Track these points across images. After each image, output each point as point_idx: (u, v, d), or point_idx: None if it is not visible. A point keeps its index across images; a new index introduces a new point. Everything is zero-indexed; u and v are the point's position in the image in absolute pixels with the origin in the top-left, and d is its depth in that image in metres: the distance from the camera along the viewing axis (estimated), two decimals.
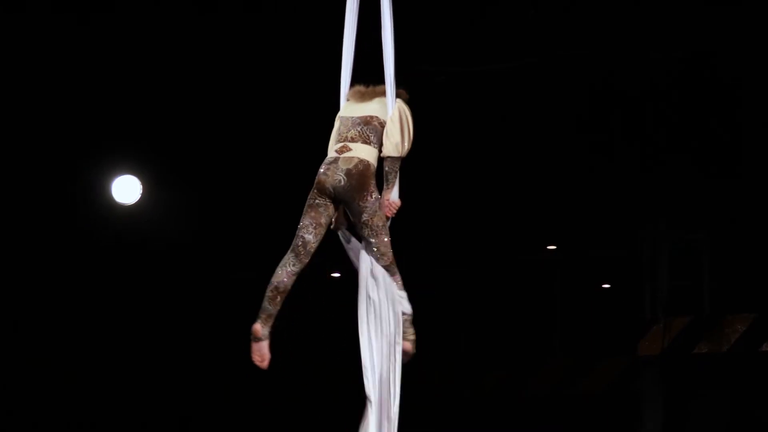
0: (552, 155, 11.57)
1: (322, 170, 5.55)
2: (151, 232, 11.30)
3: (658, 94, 10.89)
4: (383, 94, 5.71)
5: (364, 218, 5.54)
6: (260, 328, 5.53)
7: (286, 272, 5.54)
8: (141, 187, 10.88)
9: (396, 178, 5.65)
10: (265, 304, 5.55)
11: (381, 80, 5.74)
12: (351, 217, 5.61)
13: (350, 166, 5.52)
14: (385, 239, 5.59)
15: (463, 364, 13.66)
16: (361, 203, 5.53)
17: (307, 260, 5.58)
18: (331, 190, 5.53)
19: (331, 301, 11.64)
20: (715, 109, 10.87)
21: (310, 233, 5.56)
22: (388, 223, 5.64)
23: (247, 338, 5.54)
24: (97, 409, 11.79)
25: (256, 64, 10.28)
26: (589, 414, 12.89)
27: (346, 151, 5.55)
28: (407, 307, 5.63)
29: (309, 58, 9.45)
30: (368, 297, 5.60)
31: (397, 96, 5.72)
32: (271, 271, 5.55)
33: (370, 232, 5.55)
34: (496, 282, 13.77)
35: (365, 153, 5.57)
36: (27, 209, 10.98)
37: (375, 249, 5.59)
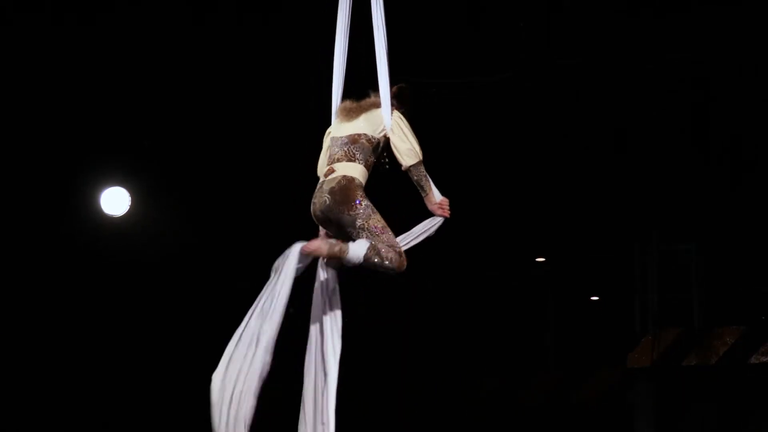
0: (542, 167, 11.57)
1: (313, 200, 5.62)
2: (140, 244, 11.25)
3: (649, 106, 10.89)
4: (370, 108, 5.69)
5: (359, 224, 5.51)
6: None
7: None
8: (130, 198, 10.85)
9: (428, 180, 5.68)
10: None
11: (367, 94, 5.73)
12: (347, 230, 5.55)
13: (333, 185, 5.55)
14: (387, 236, 5.53)
15: (456, 375, 13.64)
16: (351, 213, 5.51)
17: None
18: (320, 213, 5.58)
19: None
20: (707, 121, 10.88)
21: None
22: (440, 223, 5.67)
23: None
24: (80, 425, 11.73)
25: (246, 76, 10.26)
26: (581, 425, 12.90)
27: (330, 173, 5.60)
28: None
29: (300, 70, 9.45)
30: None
31: (399, 91, 5.71)
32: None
33: (369, 235, 5.50)
34: (489, 294, 13.76)
35: (349, 169, 5.59)
36: (15, 221, 10.93)
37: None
